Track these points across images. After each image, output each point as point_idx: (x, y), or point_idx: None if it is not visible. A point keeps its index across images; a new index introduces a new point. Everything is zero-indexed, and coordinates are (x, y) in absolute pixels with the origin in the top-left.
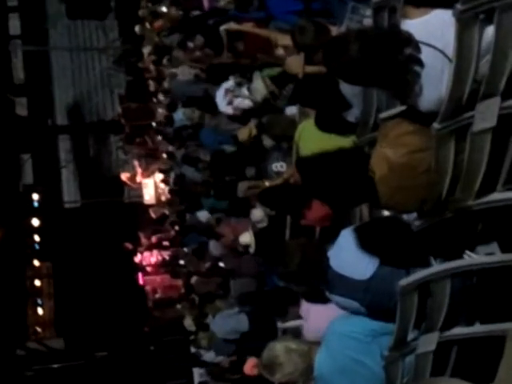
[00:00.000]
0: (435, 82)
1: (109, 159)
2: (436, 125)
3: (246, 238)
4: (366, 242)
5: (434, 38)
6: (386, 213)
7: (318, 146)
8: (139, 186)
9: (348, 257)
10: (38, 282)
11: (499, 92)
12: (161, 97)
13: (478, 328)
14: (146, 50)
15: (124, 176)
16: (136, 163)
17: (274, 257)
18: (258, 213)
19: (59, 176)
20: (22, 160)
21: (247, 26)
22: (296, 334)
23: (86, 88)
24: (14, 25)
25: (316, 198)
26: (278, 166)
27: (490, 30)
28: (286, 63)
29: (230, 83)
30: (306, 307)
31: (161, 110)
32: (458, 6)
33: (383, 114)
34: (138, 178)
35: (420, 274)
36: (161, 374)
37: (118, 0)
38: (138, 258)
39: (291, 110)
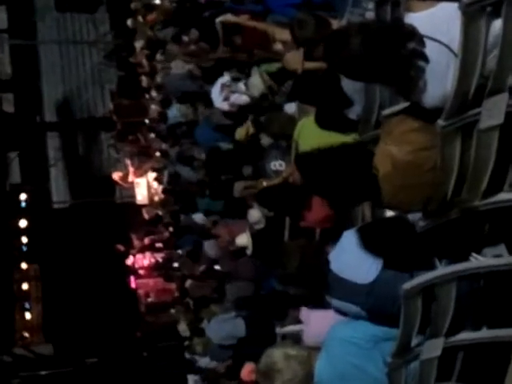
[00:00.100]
0: (440, 78)
1: (99, 158)
2: (441, 122)
3: (243, 239)
4: (369, 243)
5: (439, 32)
6: (389, 213)
7: (318, 143)
8: (131, 186)
9: (350, 259)
10: (25, 286)
11: (507, 88)
12: (154, 93)
13: (484, 333)
14: (139, 44)
15: (115, 175)
16: (128, 162)
17: (271, 259)
18: (255, 213)
19: (48, 175)
20: (9, 158)
21: (243, 19)
22: (295, 339)
23: (75, 84)
24: (1, 18)
25: (316, 195)
26: (276, 165)
27: (497, 24)
28: (284, 59)
29: (226, 78)
30: (306, 312)
31: (154, 107)
32: None
33: (386, 111)
34: (130, 178)
35: (424, 277)
36: (154, 381)
37: None
38: (130, 261)
39: (290, 107)
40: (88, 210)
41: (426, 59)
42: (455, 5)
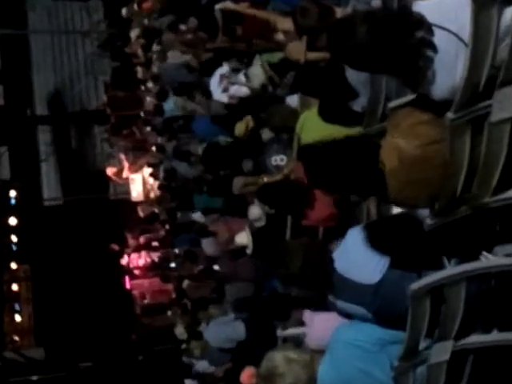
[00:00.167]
0: (449, 68)
1: (93, 152)
2: (450, 114)
3: (243, 238)
4: (375, 241)
5: (447, 20)
6: (396, 210)
7: (322, 136)
8: (126, 182)
9: (355, 258)
10: (15, 287)
11: None
12: (150, 84)
13: (495, 336)
14: (134, 33)
15: (109, 171)
16: (122, 157)
17: (273, 258)
18: (255, 210)
19: (38, 171)
20: None
21: (243, 7)
22: (297, 342)
23: (67, 75)
24: None
25: (319, 189)
26: (277, 160)
27: (509, 12)
28: (286, 49)
29: (225, 69)
30: (309, 314)
31: (149, 99)
32: None
33: (393, 103)
34: (125, 173)
35: (433, 278)
36: None
37: None
38: (124, 261)
39: (292, 100)
40: (80, 207)
41: (434, 49)
42: None
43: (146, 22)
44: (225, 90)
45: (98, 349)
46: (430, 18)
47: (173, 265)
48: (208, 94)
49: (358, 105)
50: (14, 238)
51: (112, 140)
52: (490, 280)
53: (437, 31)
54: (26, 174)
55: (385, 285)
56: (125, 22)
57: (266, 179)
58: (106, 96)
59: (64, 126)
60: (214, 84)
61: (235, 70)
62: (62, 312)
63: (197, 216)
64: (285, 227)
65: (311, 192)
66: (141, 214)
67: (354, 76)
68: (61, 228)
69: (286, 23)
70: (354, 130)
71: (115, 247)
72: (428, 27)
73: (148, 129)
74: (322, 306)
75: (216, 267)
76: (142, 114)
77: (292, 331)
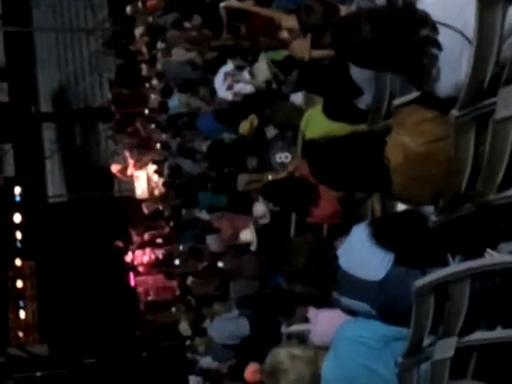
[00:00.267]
0: (454, 66)
1: (97, 150)
2: (455, 112)
3: (247, 235)
4: (380, 237)
5: (451, 17)
6: (400, 207)
7: (326, 132)
8: (130, 179)
9: (360, 255)
10: (20, 283)
11: None
12: (154, 81)
13: (499, 333)
14: (138, 31)
15: (114, 168)
16: (127, 154)
17: (277, 255)
18: (260, 207)
19: (43, 168)
20: (3, 150)
21: (248, 4)
22: (301, 339)
23: (72, 72)
24: None
25: (324, 184)
26: (282, 157)
27: None
28: (290, 47)
29: (229, 66)
30: (314, 311)
31: (154, 96)
32: None
33: (397, 101)
34: (130, 170)
35: (437, 275)
36: (154, 382)
37: None
38: (129, 257)
39: (297, 97)
40: (85, 204)
41: (439, 46)
42: None
43: (150, 19)
44: (229, 88)
45: (101, 345)
46: (435, 15)
47: (177, 262)
48: (212, 90)
49: (363, 102)
50: (18, 235)
51: (116, 137)
52: (495, 277)
53: (441, 29)
54: (31, 171)
55: (389, 281)
56: (129, 20)
57: (270, 177)
58: (110, 93)
59: (69, 123)
60: (219, 81)
61: (240, 68)
62: (66, 308)
63: (202, 214)
64: (289, 224)
65: (316, 189)
66: (145, 211)
67: (358, 73)
68: (65, 225)
69: (290, 21)
70: (359, 128)
71: (120, 244)
72: (432, 25)
73: (152, 126)
74: (327, 302)
75: (220, 264)
76: (146, 111)
77: (296, 328)
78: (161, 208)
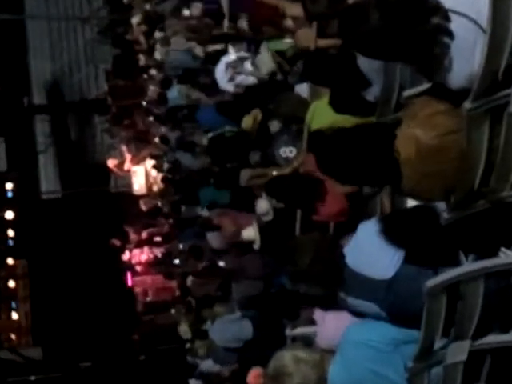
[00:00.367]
0: (467, 56)
1: (93, 143)
2: (467, 104)
3: (250, 232)
4: (391, 233)
5: (464, 5)
6: (410, 202)
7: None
8: (128, 174)
9: (368, 252)
10: (12, 283)
11: None
12: (153, 72)
13: None
14: (135, 19)
15: (110, 163)
16: (124, 148)
17: (281, 254)
18: (263, 204)
19: (36, 162)
20: None
21: None
22: (307, 342)
23: (66, 63)
24: None
25: (331, 178)
26: (286, 152)
27: None
28: (295, 36)
29: (231, 57)
30: (320, 312)
31: (152, 87)
32: None
33: (407, 92)
34: (127, 165)
35: (450, 274)
36: None
37: None
38: (126, 256)
39: (302, 89)
40: (80, 200)
41: (451, 35)
42: None
43: (147, 7)
44: (231, 80)
45: (98, 348)
46: (447, 3)
47: (177, 261)
48: (214, 83)
49: (371, 94)
50: (10, 233)
51: (113, 130)
52: (509, 277)
53: (455, 17)
54: (23, 166)
55: (398, 280)
56: (126, 8)
57: (274, 172)
58: (106, 84)
59: (63, 115)
60: (220, 72)
61: (242, 59)
62: (60, 310)
63: (203, 212)
64: (294, 222)
65: (322, 185)
66: (143, 207)
67: (366, 64)
68: (59, 222)
69: (295, 9)
70: (367, 121)
71: (116, 242)
72: (444, 13)
73: (151, 119)
74: (333, 304)
75: (221, 263)
76: (144, 103)
77: (302, 330)
78: (159, 204)
